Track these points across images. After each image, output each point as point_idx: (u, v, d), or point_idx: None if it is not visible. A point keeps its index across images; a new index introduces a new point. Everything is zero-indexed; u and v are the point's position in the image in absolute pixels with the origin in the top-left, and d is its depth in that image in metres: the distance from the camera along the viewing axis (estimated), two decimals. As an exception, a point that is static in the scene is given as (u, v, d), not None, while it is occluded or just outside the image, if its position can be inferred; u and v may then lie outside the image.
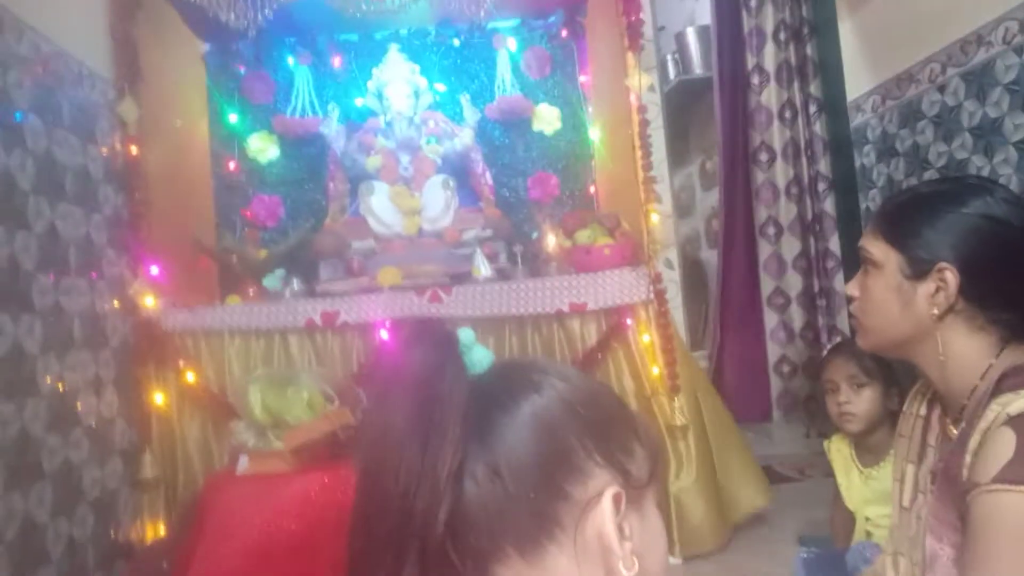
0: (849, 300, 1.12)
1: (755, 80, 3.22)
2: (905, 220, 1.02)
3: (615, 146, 2.79)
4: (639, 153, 2.36)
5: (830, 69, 3.07)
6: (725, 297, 3.41)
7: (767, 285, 3.24)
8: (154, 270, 2.32)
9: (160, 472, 2.29)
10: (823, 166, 3.14)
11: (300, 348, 2.39)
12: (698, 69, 4.03)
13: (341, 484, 1.81)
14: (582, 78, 3.12)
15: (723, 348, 3.40)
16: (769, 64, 3.19)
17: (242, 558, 1.77)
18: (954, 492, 0.94)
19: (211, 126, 3.06)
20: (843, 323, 2.98)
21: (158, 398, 2.30)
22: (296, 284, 2.56)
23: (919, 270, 0.99)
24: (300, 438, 1.94)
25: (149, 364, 2.31)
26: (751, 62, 3.22)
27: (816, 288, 3.12)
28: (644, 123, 2.36)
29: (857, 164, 2.93)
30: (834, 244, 3.11)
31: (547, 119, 3.08)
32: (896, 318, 1.02)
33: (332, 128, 2.91)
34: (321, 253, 2.66)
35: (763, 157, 3.25)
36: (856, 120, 2.91)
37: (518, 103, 3.05)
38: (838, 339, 1.89)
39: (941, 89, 2.39)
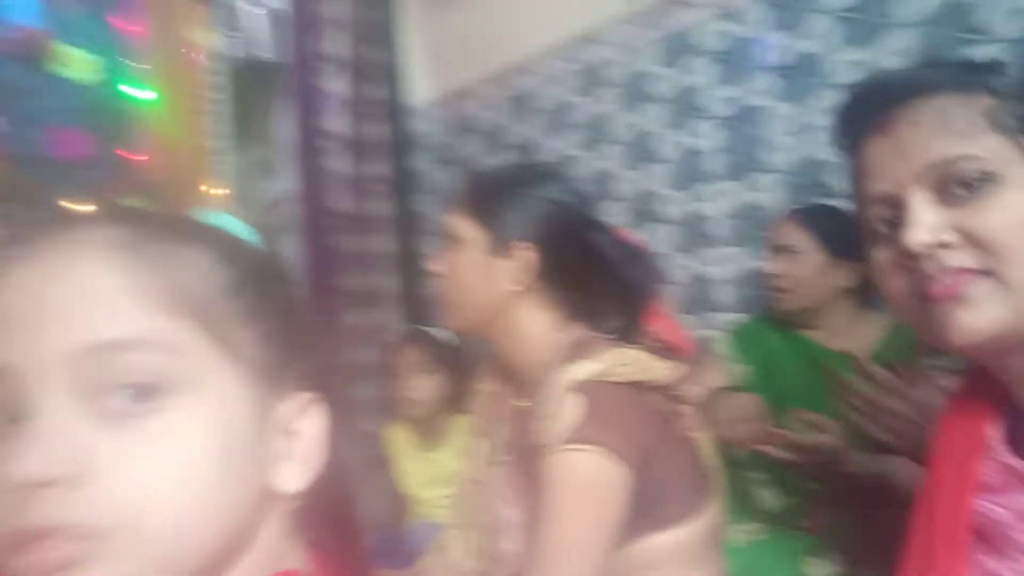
0: (434, 279, 1.13)
1: (326, 69, 3.18)
2: (489, 199, 1.06)
3: (175, 111, 2.47)
4: (202, 121, 2.12)
5: (397, 71, 3.20)
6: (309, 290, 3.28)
7: (339, 280, 3.21)
8: None
9: None
10: (385, 166, 3.24)
11: None
12: (265, 52, 3.83)
13: None
14: (132, 25, 2.70)
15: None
16: (342, 55, 3.18)
17: None
18: (528, 458, 1.00)
19: None
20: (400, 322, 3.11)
21: None
22: None
23: (501, 248, 1.03)
24: None
25: None
26: (323, 50, 3.17)
27: (381, 286, 3.19)
28: (210, 88, 2.13)
29: (416, 167, 3.10)
30: (392, 243, 3.22)
31: (73, 63, 2.57)
32: (480, 294, 1.06)
33: None
34: None
35: (330, 148, 3.22)
36: (418, 125, 3.07)
37: (30, 36, 2.49)
38: (410, 327, 1.94)
39: (490, 107, 2.66)
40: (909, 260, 0.61)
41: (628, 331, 1.05)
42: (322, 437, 0.48)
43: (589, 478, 0.90)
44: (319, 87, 3.25)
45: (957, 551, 0.62)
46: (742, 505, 1.47)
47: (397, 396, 1.84)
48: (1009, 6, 1.42)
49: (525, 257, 1.03)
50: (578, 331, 1.04)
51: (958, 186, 0.59)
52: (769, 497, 1.47)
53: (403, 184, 3.14)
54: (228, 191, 2.83)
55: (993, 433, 0.65)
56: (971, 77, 0.61)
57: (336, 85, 3.25)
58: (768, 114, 1.83)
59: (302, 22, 3.29)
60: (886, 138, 0.63)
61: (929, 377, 1.08)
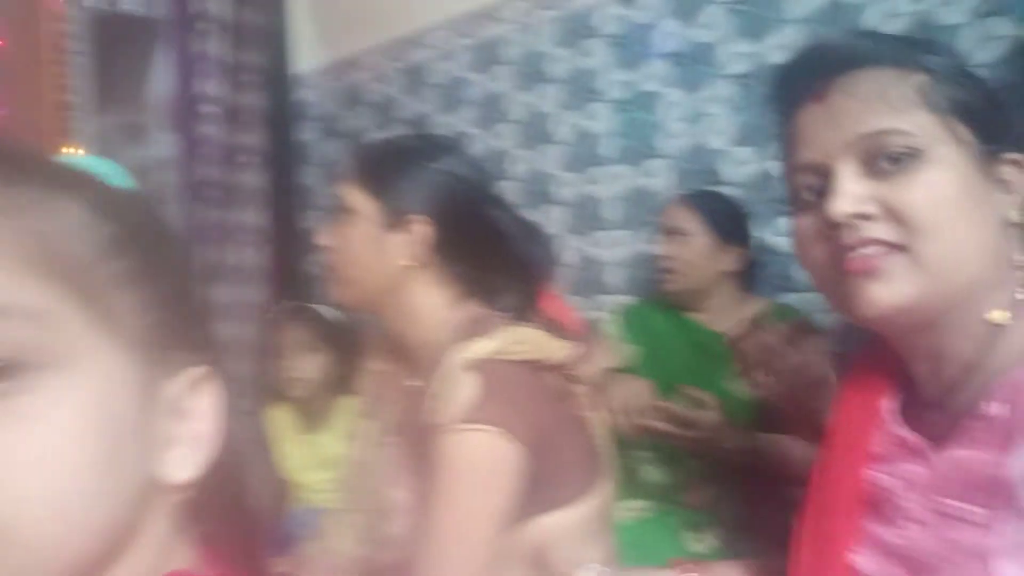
0: (323, 254, 1.07)
1: (205, 29, 2.98)
2: (384, 170, 1.02)
3: (28, 61, 2.23)
4: (61, 76, 1.92)
5: (277, 36, 3.04)
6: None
7: (209, 256, 3.03)
8: None
9: None
10: (259, 136, 3.07)
11: None
12: (134, 5, 3.55)
13: None
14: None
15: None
16: (217, 12, 2.98)
17: None
18: (419, 438, 0.97)
19: None
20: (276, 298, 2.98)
21: None
22: None
23: (395, 221, 1.00)
24: None
25: None
26: (203, 9, 2.96)
27: (255, 261, 3.03)
28: (69, 39, 1.93)
29: (297, 138, 2.96)
30: (263, 217, 3.05)
31: None
32: (372, 269, 1.01)
33: None
34: None
35: (207, 112, 3.02)
36: (300, 94, 2.94)
37: None
38: (287, 303, 1.85)
39: (381, 79, 2.58)
40: (831, 230, 0.61)
41: (524, 309, 1.03)
42: (217, 418, 0.42)
43: (483, 459, 0.88)
44: (197, 48, 3.04)
45: (850, 519, 0.64)
46: (627, 482, 1.50)
47: (278, 375, 1.75)
48: (887, 8, 1.50)
49: (420, 231, 0.99)
50: (473, 308, 1.01)
51: (885, 160, 0.59)
52: (653, 474, 1.50)
53: (286, 156, 3.00)
54: (92, 154, 2.61)
55: (887, 405, 0.67)
56: (908, 53, 0.62)
57: (215, 47, 3.05)
58: (662, 100, 1.85)
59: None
60: (820, 106, 0.63)
61: (811, 340, 1.12)
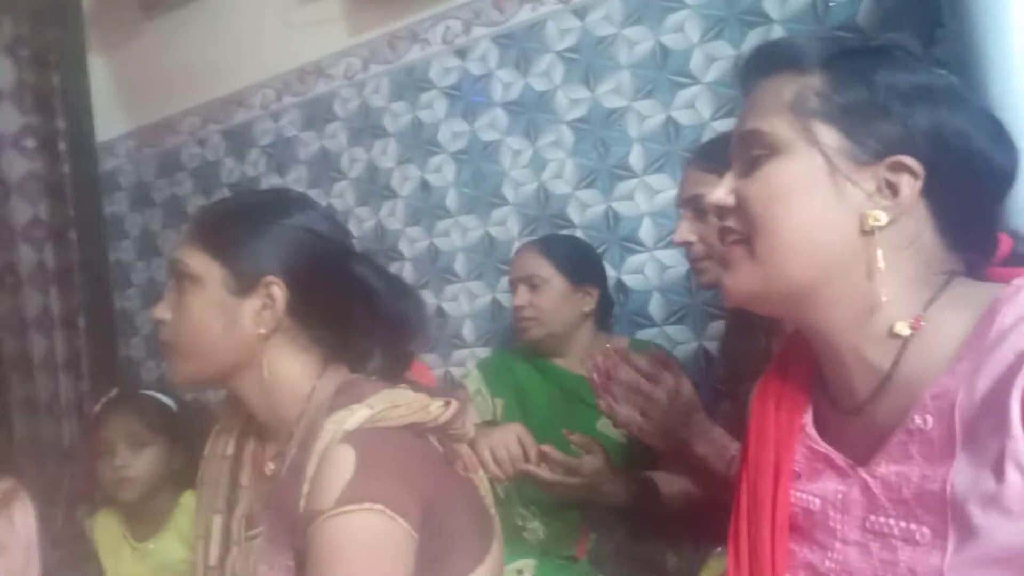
0: (158, 326, 0.94)
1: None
2: (229, 229, 0.92)
3: None
4: None
5: (78, 104, 2.77)
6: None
7: (8, 347, 2.64)
8: None
9: None
10: (71, 209, 2.77)
11: None
12: None
13: None
14: None
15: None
16: (5, 81, 2.68)
17: None
18: (289, 528, 0.85)
19: None
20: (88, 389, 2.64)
21: None
22: None
23: (245, 284, 0.90)
24: None
25: None
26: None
27: (65, 350, 2.68)
28: None
29: (107, 211, 2.70)
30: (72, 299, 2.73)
31: None
32: (219, 340, 0.91)
33: None
34: None
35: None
36: (108, 164, 2.69)
37: None
38: (112, 393, 1.62)
39: (201, 143, 2.41)
40: None
41: (395, 371, 0.96)
42: (31, 542, 0.31)
43: (368, 543, 0.79)
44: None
45: (779, 545, 0.61)
46: (510, 540, 1.43)
47: (104, 477, 1.52)
48: (706, 53, 1.61)
49: (272, 293, 0.89)
50: (340, 374, 0.92)
51: (749, 158, 0.63)
52: (535, 529, 1.45)
53: (96, 230, 2.71)
54: None
55: (804, 420, 0.66)
56: (810, 56, 0.62)
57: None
58: (500, 148, 1.86)
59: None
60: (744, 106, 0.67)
61: (675, 366, 1.13)
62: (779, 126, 0.61)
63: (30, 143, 2.71)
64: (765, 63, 0.64)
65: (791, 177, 0.60)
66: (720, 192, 0.64)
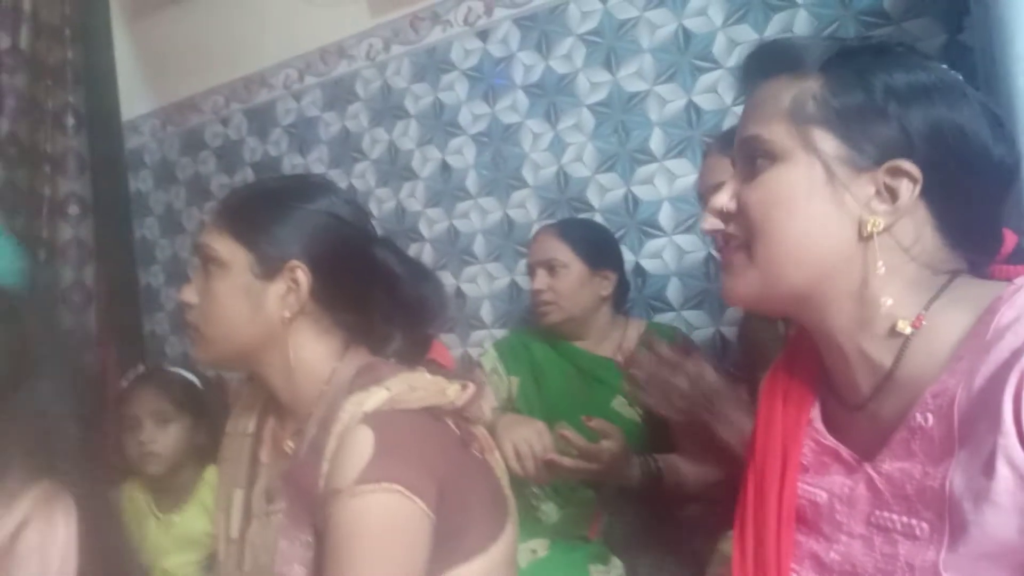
0: (185, 308, 0.97)
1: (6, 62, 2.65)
2: (254, 215, 0.94)
3: None
4: None
5: (101, 81, 2.79)
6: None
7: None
8: None
9: None
10: (80, 186, 2.78)
11: None
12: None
13: None
14: None
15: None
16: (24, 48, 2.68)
17: None
18: (308, 506, 0.88)
19: None
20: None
21: None
22: None
23: (270, 268, 0.92)
24: None
25: None
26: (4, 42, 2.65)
27: (76, 326, 2.71)
28: None
29: (132, 188, 2.73)
30: (88, 274, 2.76)
31: None
32: (245, 323, 0.92)
33: None
34: None
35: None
36: (132, 142, 2.72)
37: None
38: (140, 369, 1.66)
39: (224, 122, 2.43)
40: None
41: (415, 354, 0.97)
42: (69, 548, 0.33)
43: (386, 522, 0.81)
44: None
45: (784, 536, 0.62)
46: (523, 521, 1.45)
47: (131, 450, 1.56)
48: (729, 37, 1.59)
49: (296, 277, 0.91)
50: (361, 357, 0.94)
51: (751, 163, 0.64)
52: (549, 510, 1.47)
53: (115, 206, 2.73)
54: None
55: (813, 414, 0.67)
56: (809, 60, 0.62)
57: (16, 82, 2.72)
58: (520, 131, 1.86)
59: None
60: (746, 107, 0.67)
61: (699, 357, 1.14)
62: (778, 133, 0.61)
63: (41, 116, 2.69)
64: (764, 65, 0.65)
65: (790, 185, 0.61)
66: (723, 197, 0.65)
